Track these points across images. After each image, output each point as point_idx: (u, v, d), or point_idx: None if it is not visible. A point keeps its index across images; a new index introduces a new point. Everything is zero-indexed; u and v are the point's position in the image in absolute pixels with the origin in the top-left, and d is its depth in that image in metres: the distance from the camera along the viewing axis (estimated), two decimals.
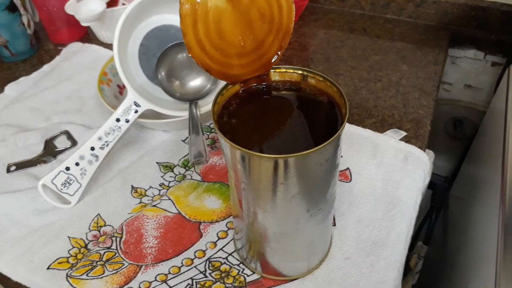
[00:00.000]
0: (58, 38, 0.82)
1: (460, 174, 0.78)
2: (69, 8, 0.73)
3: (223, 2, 0.33)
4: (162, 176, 0.54)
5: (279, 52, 0.38)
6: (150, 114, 0.55)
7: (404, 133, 0.57)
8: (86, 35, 0.83)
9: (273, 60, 0.38)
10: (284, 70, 0.38)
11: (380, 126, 0.58)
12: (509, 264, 0.41)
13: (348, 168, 0.53)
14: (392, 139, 0.56)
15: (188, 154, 0.56)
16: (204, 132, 0.53)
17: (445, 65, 0.74)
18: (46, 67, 0.75)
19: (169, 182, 0.54)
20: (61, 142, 0.60)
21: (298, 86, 0.38)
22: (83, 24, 0.70)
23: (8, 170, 0.56)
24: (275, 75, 0.39)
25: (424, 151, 0.55)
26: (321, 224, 0.39)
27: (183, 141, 0.59)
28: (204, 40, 0.34)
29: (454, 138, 0.86)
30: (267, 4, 0.35)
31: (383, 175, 0.52)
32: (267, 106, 0.38)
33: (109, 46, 0.78)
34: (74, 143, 0.59)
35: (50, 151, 0.58)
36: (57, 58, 0.76)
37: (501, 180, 0.48)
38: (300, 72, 0.38)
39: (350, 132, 0.56)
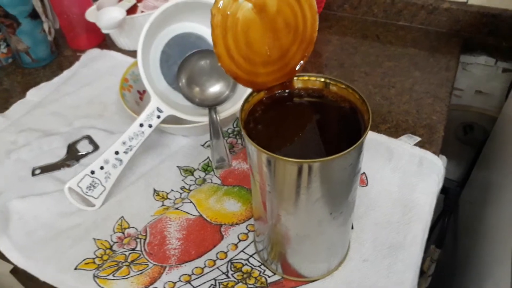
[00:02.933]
0: (77, 44, 0.84)
1: (471, 179, 0.79)
2: (89, 15, 0.75)
3: (252, 12, 0.35)
4: (183, 180, 0.56)
5: (302, 61, 0.39)
6: (170, 120, 0.57)
7: (419, 138, 0.58)
8: (104, 41, 0.85)
9: (296, 68, 0.39)
10: (307, 77, 0.40)
11: (395, 131, 0.60)
12: None
13: (364, 173, 0.54)
14: (406, 144, 0.57)
15: (207, 158, 0.58)
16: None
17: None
18: (66, 72, 0.77)
19: (190, 185, 0.55)
20: (83, 147, 0.62)
21: (321, 93, 0.40)
22: (104, 31, 0.72)
23: (33, 174, 0.58)
24: (298, 83, 0.40)
25: (438, 156, 0.56)
26: (342, 226, 0.41)
27: (203, 146, 0.60)
28: (233, 50, 0.36)
29: (464, 143, 0.87)
30: (292, 15, 0.37)
31: (398, 179, 0.54)
32: (290, 112, 0.39)
33: (127, 53, 0.80)
34: (96, 147, 0.61)
35: (73, 155, 0.60)
36: (77, 64, 0.79)
37: None
38: (323, 79, 0.39)
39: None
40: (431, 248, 0.69)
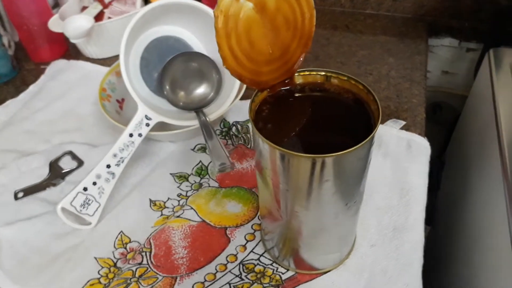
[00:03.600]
0: (39, 56, 0.79)
1: (447, 155, 0.83)
2: (53, 25, 0.71)
3: (253, 12, 0.35)
4: (178, 187, 0.55)
5: (301, 57, 0.39)
6: (156, 126, 0.55)
7: (403, 122, 0.60)
8: (68, 52, 0.81)
9: (297, 64, 0.39)
10: (307, 73, 0.40)
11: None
12: None
13: None
14: (393, 129, 0.59)
15: (199, 162, 0.57)
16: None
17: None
18: (32, 87, 0.73)
19: (186, 191, 0.54)
20: (66, 163, 0.59)
21: (322, 87, 0.40)
22: (73, 41, 0.69)
23: (16, 197, 0.55)
24: (298, 78, 0.40)
25: (424, 137, 0.58)
26: (355, 215, 0.42)
27: (193, 150, 0.59)
28: (236, 50, 0.35)
29: (434, 122, 0.90)
30: (291, 12, 0.37)
31: (390, 164, 0.55)
32: (296, 108, 0.39)
33: (96, 61, 0.77)
34: (80, 162, 0.59)
35: (57, 173, 0.57)
36: (43, 78, 0.75)
37: (501, 159, 0.52)
38: (323, 73, 0.40)
39: None
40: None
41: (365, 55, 0.72)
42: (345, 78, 0.39)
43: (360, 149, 0.33)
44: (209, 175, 0.55)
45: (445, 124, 0.89)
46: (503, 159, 0.51)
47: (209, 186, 0.54)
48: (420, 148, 0.57)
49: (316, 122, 0.38)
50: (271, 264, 0.47)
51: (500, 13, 0.66)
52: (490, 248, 0.52)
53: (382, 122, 0.60)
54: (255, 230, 0.50)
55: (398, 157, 0.56)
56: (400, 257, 0.46)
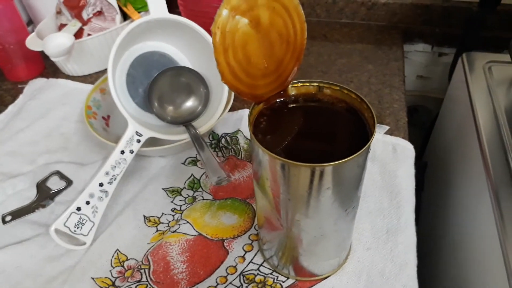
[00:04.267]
0: (16, 75, 0.78)
1: (426, 156, 0.85)
2: (31, 44, 0.70)
3: (248, 27, 0.35)
4: (171, 201, 0.55)
5: (295, 69, 0.40)
6: (146, 142, 0.55)
7: (387, 127, 0.62)
8: (45, 70, 0.80)
9: (290, 77, 0.40)
10: (301, 84, 0.41)
11: None
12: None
13: None
14: (378, 134, 0.61)
15: (191, 176, 0.57)
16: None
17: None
18: (11, 107, 0.71)
19: (180, 206, 0.54)
20: (54, 183, 0.58)
21: (316, 97, 0.41)
22: (54, 59, 0.68)
23: (4, 221, 0.53)
24: (292, 90, 0.41)
25: (407, 140, 0.60)
26: (353, 220, 0.43)
27: (183, 163, 0.59)
28: (234, 66, 0.36)
29: (411, 125, 0.93)
30: (284, 26, 0.38)
31: (378, 168, 0.57)
32: (292, 119, 0.40)
33: (76, 79, 0.76)
34: (69, 182, 0.58)
35: (45, 194, 0.56)
36: (22, 97, 0.73)
37: (482, 158, 0.54)
38: (316, 84, 0.41)
39: None
40: None
41: (344, 63, 0.75)
42: (338, 88, 0.40)
43: (358, 157, 0.34)
44: (202, 188, 0.56)
45: (422, 126, 0.92)
46: (484, 158, 0.54)
47: (203, 199, 0.54)
48: (405, 151, 0.59)
49: (313, 132, 0.39)
50: (271, 273, 0.47)
51: (471, 19, 0.70)
52: (476, 246, 0.54)
53: None
54: (252, 241, 0.50)
55: (385, 161, 0.57)
56: (395, 259, 0.47)
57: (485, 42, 0.73)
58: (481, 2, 0.65)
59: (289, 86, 0.41)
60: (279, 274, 0.47)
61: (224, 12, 0.33)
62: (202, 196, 0.55)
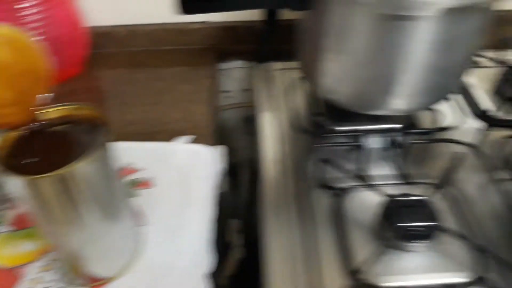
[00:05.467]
0: None
1: None
2: None
3: None
4: None
5: (43, 96, 0.45)
6: None
7: (191, 137, 0.69)
8: None
9: (39, 104, 0.45)
10: (52, 109, 0.45)
11: (170, 138, 0.69)
12: None
13: (152, 177, 0.63)
14: (180, 144, 0.68)
15: None
16: None
17: (220, 78, 0.90)
18: None
19: None
20: None
21: (70, 118, 0.46)
22: None
23: None
24: (48, 114, 0.45)
25: (211, 146, 0.67)
26: (125, 221, 0.48)
27: None
28: None
29: (249, 134, 1.02)
30: (26, 62, 0.42)
31: (177, 172, 0.63)
32: (45, 141, 0.44)
33: None
34: None
35: None
36: None
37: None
38: (62, 107, 0.46)
39: (143, 148, 0.66)
40: (228, 222, 0.81)
41: (164, 86, 0.81)
42: (84, 107, 0.45)
43: (87, 164, 0.40)
44: (1, 222, 0.57)
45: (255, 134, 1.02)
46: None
47: (6, 231, 0.56)
48: (207, 156, 0.66)
49: (63, 150, 0.44)
50: None
51: (262, 35, 0.81)
52: None
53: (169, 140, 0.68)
54: (50, 261, 0.53)
55: (184, 165, 0.64)
56: (183, 256, 0.53)
57: (276, 53, 0.84)
58: (264, 20, 0.76)
59: (42, 111, 0.45)
60: (76, 287, 0.50)
61: None
62: (3, 229, 0.56)
